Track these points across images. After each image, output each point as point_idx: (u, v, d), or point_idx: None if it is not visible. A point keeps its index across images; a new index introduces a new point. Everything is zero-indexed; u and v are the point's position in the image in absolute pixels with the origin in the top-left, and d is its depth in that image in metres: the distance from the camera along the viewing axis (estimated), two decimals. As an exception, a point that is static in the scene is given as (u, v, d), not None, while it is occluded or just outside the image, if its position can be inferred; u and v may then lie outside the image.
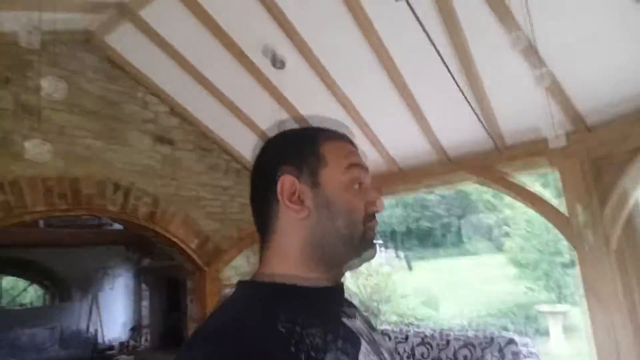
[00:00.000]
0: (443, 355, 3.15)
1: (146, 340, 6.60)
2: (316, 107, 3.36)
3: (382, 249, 16.55)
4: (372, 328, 0.70)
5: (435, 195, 17.19)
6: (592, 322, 2.77)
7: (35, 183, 2.57)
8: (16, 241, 5.51)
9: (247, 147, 3.79)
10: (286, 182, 0.62)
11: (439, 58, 2.43)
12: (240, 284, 0.63)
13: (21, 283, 6.92)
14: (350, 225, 0.62)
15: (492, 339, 3.01)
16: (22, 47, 2.77)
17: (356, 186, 0.64)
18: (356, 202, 0.63)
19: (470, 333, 3.19)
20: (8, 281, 6.76)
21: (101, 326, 6.76)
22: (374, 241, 0.65)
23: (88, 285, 6.89)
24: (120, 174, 3.09)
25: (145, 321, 6.90)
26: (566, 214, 2.98)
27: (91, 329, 6.63)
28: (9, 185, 2.45)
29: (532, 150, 3.07)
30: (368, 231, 0.64)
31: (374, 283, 5.71)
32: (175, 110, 3.60)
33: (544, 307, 6.59)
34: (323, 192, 0.62)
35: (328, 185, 0.63)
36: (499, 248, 12.55)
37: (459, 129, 3.19)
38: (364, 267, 5.87)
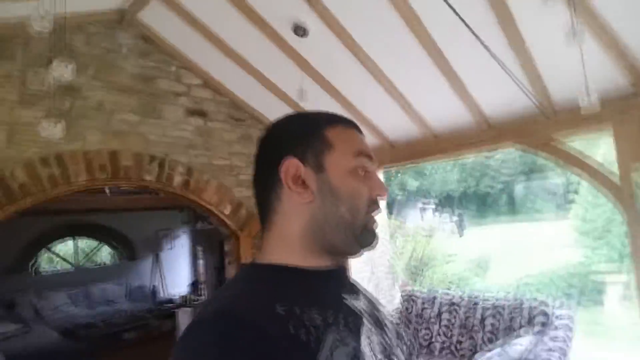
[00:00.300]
0: (469, 321, 3.13)
1: (203, 294, 7.22)
2: (343, 74, 3.30)
3: (436, 213, 16.23)
4: (376, 307, 0.71)
5: (496, 158, 16.30)
6: (641, 290, 2.72)
7: (76, 156, 2.84)
8: (87, 207, 6.18)
9: (278, 116, 3.83)
10: (290, 165, 0.62)
11: (472, 15, 2.27)
12: (242, 266, 0.68)
13: (94, 244, 7.77)
14: (353, 211, 0.62)
15: (521, 305, 2.93)
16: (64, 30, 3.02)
17: (361, 172, 0.64)
18: (360, 188, 0.63)
19: (499, 299, 3.11)
20: (83, 243, 7.61)
21: (163, 282, 7.49)
22: (375, 230, 0.66)
23: (151, 245, 7.60)
24: (155, 146, 3.30)
25: (202, 277, 7.51)
26: (618, 181, 2.81)
27: (154, 284, 7.38)
28: (54, 159, 2.74)
29: (583, 114, 2.85)
30: (370, 219, 0.65)
31: (412, 248, 5.68)
32: (208, 83, 3.72)
33: (602, 276, 6.20)
34: (327, 177, 0.62)
35: (333, 170, 0.63)
36: (563, 213, 11.79)
37: (498, 91, 3.00)
38: (400, 232, 5.86)
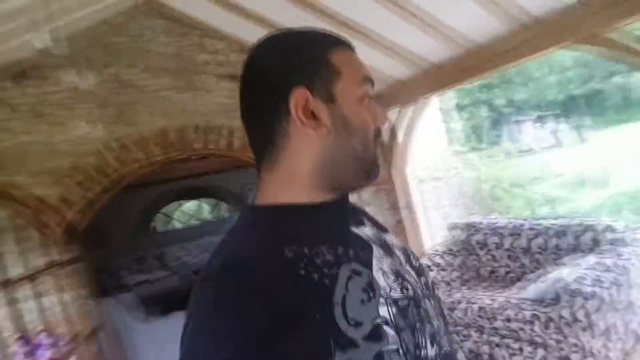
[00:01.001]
0: (516, 244, 3.02)
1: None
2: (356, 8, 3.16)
3: (535, 126, 14.64)
4: (383, 229, 0.71)
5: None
6: None
7: (133, 138, 3.32)
8: (185, 174, 7.10)
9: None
10: (300, 96, 0.57)
11: None
12: (243, 209, 0.63)
13: (197, 204, 8.95)
14: (364, 143, 0.60)
15: (567, 227, 2.73)
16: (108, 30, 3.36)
17: (366, 100, 0.61)
18: (368, 118, 0.61)
19: (545, 223, 2.92)
20: (189, 204, 8.82)
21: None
22: (378, 161, 0.64)
23: (241, 199, 8.48)
24: (197, 116, 3.64)
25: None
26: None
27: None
28: (116, 143, 3.26)
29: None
30: (376, 150, 0.63)
31: (495, 171, 5.27)
32: (232, 46, 3.88)
33: None
34: (339, 108, 0.58)
35: (343, 100, 0.58)
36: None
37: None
38: (477, 157, 5.55)
